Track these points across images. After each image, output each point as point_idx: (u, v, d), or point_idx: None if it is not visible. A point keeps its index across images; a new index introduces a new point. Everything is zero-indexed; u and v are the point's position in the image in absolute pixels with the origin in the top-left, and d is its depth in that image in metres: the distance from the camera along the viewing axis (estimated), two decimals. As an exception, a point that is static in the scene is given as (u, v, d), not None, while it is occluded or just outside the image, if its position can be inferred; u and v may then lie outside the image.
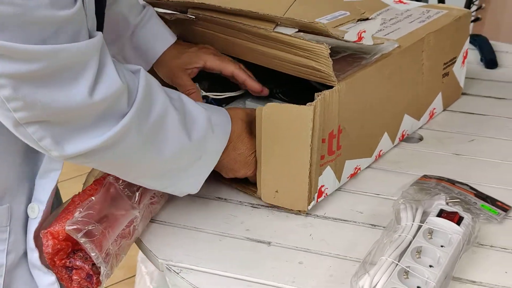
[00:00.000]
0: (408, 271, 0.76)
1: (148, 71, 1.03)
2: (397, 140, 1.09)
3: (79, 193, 0.85)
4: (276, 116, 0.86)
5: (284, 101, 1.03)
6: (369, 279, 0.75)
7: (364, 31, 0.94)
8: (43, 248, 0.79)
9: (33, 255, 0.82)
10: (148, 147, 0.77)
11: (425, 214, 0.87)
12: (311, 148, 0.87)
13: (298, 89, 1.03)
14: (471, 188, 0.96)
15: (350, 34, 0.92)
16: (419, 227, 0.83)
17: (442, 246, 0.81)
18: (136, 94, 0.74)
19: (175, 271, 0.83)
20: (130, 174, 0.82)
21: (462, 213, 0.85)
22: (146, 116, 0.76)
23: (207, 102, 1.06)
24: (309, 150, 0.87)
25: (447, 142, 1.12)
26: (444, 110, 1.22)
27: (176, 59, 1.02)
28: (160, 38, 1.03)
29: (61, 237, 0.78)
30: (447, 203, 0.88)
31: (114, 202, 0.84)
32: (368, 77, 0.95)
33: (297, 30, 0.92)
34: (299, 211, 0.93)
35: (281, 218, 0.93)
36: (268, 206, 0.95)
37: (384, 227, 0.89)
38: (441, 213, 0.85)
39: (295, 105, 0.85)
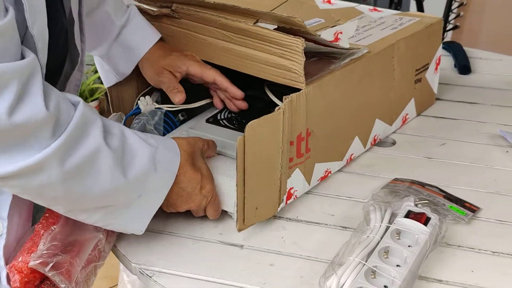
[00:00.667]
0: (375, 270, 0.78)
1: (133, 72, 1.05)
2: (369, 145, 1.11)
3: (40, 221, 0.83)
4: (256, 132, 0.85)
5: (228, 128, 1.04)
6: (337, 279, 0.77)
7: (341, 32, 0.96)
8: (11, 282, 0.78)
9: (1, 273, 0.81)
10: (72, 183, 0.74)
11: (393, 216, 0.88)
12: (281, 151, 0.88)
13: (244, 114, 1.06)
14: (441, 190, 0.98)
15: (327, 34, 0.94)
16: (387, 228, 0.85)
17: (409, 246, 0.82)
18: (66, 128, 0.72)
19: (147, 275, 0.84)
20: (56, 206, 0.78)
21: (429, 214, 0.87)
22: (73, 151, 0.73)
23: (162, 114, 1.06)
24: (279, 153, 0.88)
25: (419, 146, 1.14)
26: (417, 115, 1.24)
27: (161, 60, 1.02)
28: (144, 36, 1.04)
29: (26, 271, 0.78)
30: (415, 205, 0.90)
31: (76, 228, 0.84)
32: (336, 81, 0.97)
33: (276, 27, 0.93)
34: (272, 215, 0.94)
35: (254, 222, 0.94)
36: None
37: (354, 229, 0.90)
38: (409, 214, 0.87)
39: (269, 115, 0.86)
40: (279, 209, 0.93)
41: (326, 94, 0.95)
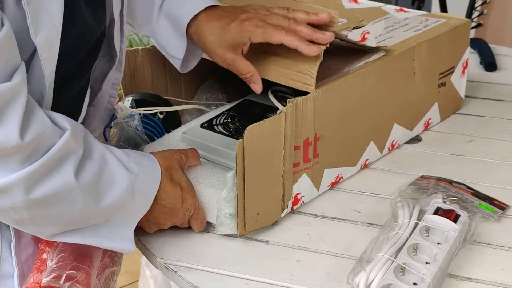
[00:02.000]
0: (404, 267, 0.77)
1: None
2: (386, 150, 1.08)
3: (42, 240, 0.81)
4: (255, 137, 0.83)
5: (223, 134, 1.00)
6: (365, 275, 0.76)
7: (368, 32, 0.95)
8: None
9: (14, 274, 0.81)
10: (38, 210, 0.72)
11: (422, 213, 0.87)
12: (284, 155, 0.87)
13: (242, 120, 1.03)
14: (468, 187, 0.97)
15: (354, 34, 0.92)
16: (416, 224, 0.84)
17: (438, 243, 0.81)
18: (42, 157, 0.70)
19: (173, 270, 0.84)
20: (25, 227, 0.76)
21: (458, 211, 0.86)
22: (42, 182, 0.71)
23: (140, 119, 1.03)
24: (281, 157, 0.86)
25: (446, 143, 1.12)
26: (441, 121, 1.20)
27: (218, 35, 0.90)
28: (189, 2, 0.94)
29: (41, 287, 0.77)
30: (444, 202, 0.89)
31: None
32: (349, 85, 0.94)
33: None
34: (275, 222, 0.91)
35: (279, 218, 0.93)
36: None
37: (381, 225, 0.89)
38: (438, 211, 0.85)
39: (268, 119, 0.84)
40: (282, 215, 0.91)
41: (337, 98, 0.93)
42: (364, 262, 0.79)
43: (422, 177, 1.00)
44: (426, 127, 1.16)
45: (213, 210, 0.88)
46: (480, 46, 1.49)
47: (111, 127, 1.00)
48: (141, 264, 1.75)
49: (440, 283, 0.77)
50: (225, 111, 1.06)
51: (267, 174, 0.86)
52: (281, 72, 0.91)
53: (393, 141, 1.09)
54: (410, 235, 0.82)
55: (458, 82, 1.20)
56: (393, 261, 0.77)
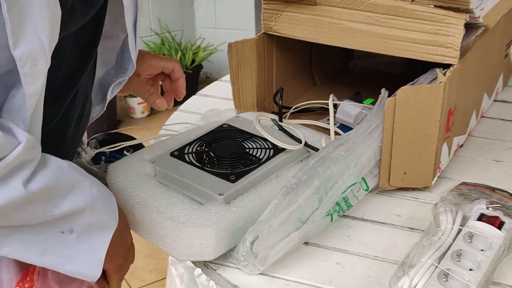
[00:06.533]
0: (448, 273, 0.76)
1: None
2: (478, 118, 1.17)
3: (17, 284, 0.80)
4: (408, 98, 0.89)
5: (194, 166, 0.92)
6: (409, 280, 0.75)
7: (482, 9, 1.00)
8: None
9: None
10: None
11: (464, 218, 0.86)
12: (440, 124, 0.90)
13: (218, 150, 0.96)
14: (511, 194, 0.95)
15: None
16: (459, 230, 0.83)
17: (482, 250, 0.80)
18: None
19: (212, 268, 0.84)
20: None
21: (503, 217, 0.84)
22: None
23: (105, 158, 1.02)
24: (437, 126, 0.90)
25: (487, 148, 1.11)
26: (503, 89, 1.31)
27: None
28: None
29: None
30: (487, 208, 0.87)
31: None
32: (472, 56, 1.00)
33: (432, 6, 0.94)
34: (425, 187, 0.98)
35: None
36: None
37: (422, 230, 0.88)
38: (482, 217, 0.84)
39: (425, 85, 0.89)
40: (433, 182, 0.97)
41: (467, 70, 0.98)
42: (406, 267, 0.78)
43: (463, 183, 0.98)
44: (496, 95, 1.27)
45: (168, 242, 0.83)
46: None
47: None
48: (168, 264, 1.75)
49: (484, 290, 0.76)
50: (201, 136, 0.99)
51: (420, 137, 0.91)
52: (416, 48, 0.95)
53: (482, 109, 1.19)
54: (453, 241, 0.81)
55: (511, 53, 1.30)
56: (437, 266, 0.76)
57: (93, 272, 0.79)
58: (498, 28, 1.11)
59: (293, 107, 1.17)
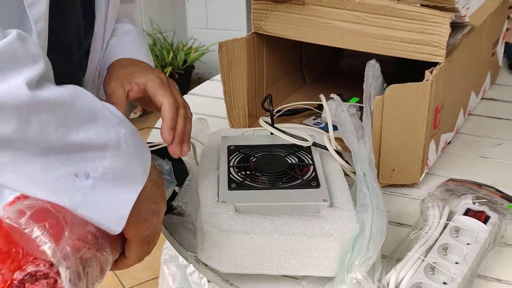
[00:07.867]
0: (435, 266, 0.77)
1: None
2: (466, 115, 1.20)
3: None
4: (396, 96, 0.91)
5: (260, 189, 0.85)
6: (396, 273, 0.76)
7: (468, 8, 1.02)
8: None
9: None
10: None
11: (451, 213, 0.88)
12: (427, 121, 0.92)
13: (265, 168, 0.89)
14: (497, 190, 0.97)
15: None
16: (446, 225, 0.84)
17: (468, 244, 0.81)
18: None
19: (203, 263, 0.85)
20: None
21: (489, 212, 0.86)
22: None
23: None
24: (425, 123, 0.92)
25: (474, 145, 1.13)
26: (490, 86, 1.33)
27: (120, 69, 0.86)
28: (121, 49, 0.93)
29: None
30: (473, 203, 0.89)
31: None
32: (459, 54, 1.01)
33: (419, 5, 0.95)
34: (413, 184, 1.00)
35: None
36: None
37: (409, 225, 0.90)
38: (468, 212, 0.86)
39: (413, 83, 0.91)
40: (420, 178, 0.99)
41: (454, 68, 1.00)
42: (394, 261, 0.80)
43: (450, 179, 1.00)
44: (483, 93, 1.30)
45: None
46: (509, 50, 1.48)
47: None
48: (160, 263, 1.76)
49: (470, 283, 0.77)
50: (229, 165, 0.90)
51: (407, 134, 0.94)
52: (404, 47, 0.97)
53: (469, 107, 1.21)
54: (440, 235, 0.83)
55: (500, 50, 1.32)
56: (423, 260, 0.78)
57: (113, 227, 0.66)
58: (485, 27, 1.13)
59: (277, 110, 1.18)
